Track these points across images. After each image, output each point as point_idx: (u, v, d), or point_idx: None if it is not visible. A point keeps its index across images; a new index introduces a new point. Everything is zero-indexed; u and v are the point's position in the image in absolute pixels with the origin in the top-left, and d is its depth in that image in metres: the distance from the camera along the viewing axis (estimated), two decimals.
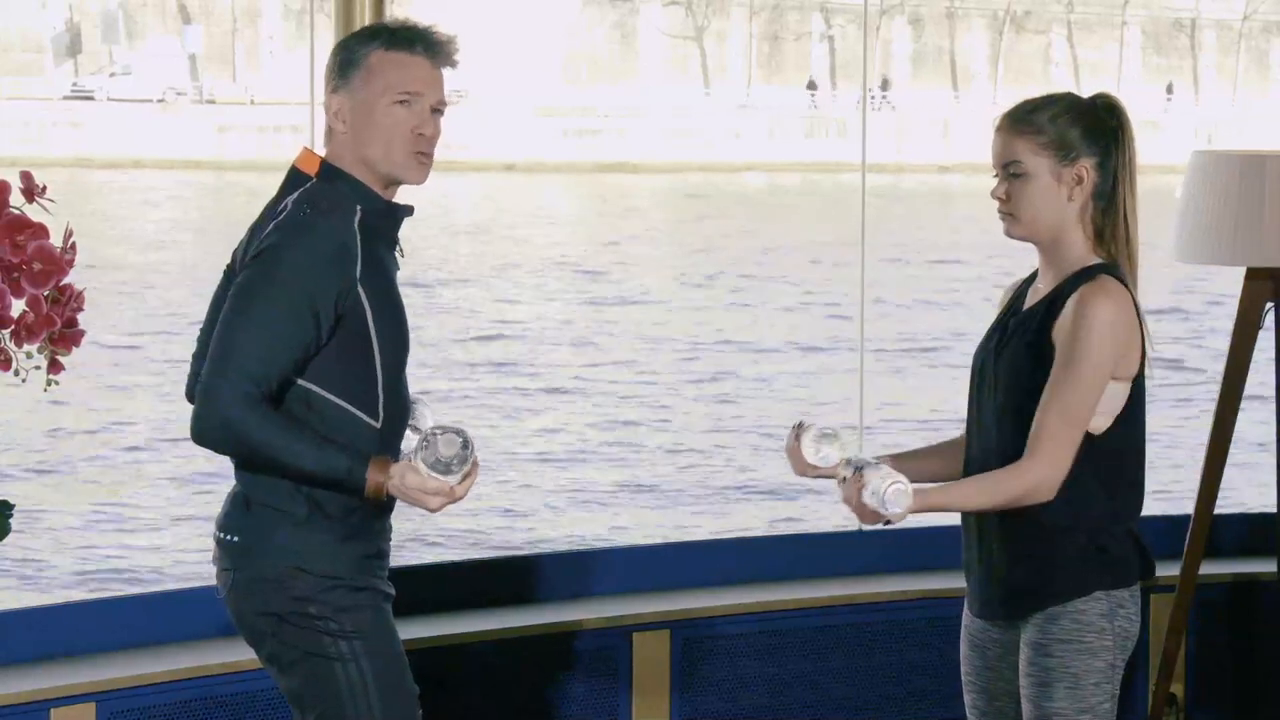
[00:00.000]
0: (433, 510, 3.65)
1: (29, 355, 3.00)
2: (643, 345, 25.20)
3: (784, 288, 30.78)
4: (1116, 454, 3.86)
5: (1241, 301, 5.61)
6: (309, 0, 6.07)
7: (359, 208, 3.76)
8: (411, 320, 3.90)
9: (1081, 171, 3.87)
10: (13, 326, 2.96)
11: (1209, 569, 5.78)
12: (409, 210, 3.86)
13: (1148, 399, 3.93)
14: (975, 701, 4.08)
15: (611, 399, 21.22)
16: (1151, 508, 4.17)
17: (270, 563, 3.74)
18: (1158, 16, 74.77)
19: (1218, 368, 5.67)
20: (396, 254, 3.86)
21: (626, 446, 18.67)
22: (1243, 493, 13.70)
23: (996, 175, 3.92)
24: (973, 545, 3.99)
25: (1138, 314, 3.86)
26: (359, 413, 3.74)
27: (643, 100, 61.80)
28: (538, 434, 19.18)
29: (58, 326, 3.01)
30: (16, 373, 3.00)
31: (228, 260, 3.87)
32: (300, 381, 3.70)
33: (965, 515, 3.98)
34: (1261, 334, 5.60)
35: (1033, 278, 4.00)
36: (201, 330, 3.86)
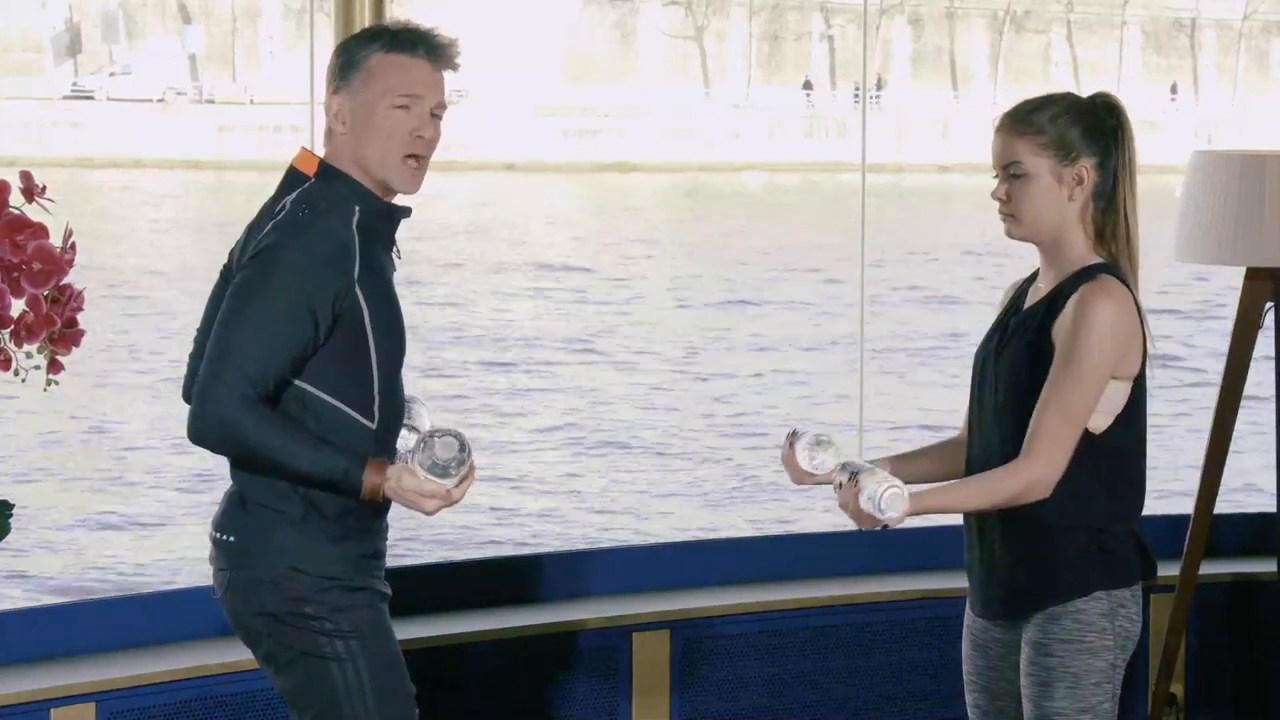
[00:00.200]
0: (429, 513, 3.65)
1: (29, 355, 3.00)
2: (642, 345, 25.19)
3: (784, 287, 30.78)
4: (1117, 453, 3.86)
5: (1241, 301, 5.61)
6: (309, 0, 6.07)
7: (357, 208, 3.76)
8: (407, 320, 3.89)
9: (1082, 171, 3.87)
10: (13, 326, 2.95)
11: (1209, 569, 5.78)
12: (407, 212, 3.86)
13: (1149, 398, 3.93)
14: (977, 701, 4.08)
15: (611, 398, 21.21)
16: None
17: (266, 563, 3.74)
18: (1158, 16, 74.77)
19: (1209, 365, 5.67)
20: (394, 255, 3.86)
21: (625, 447, 18.67)
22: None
23: (997, 176, 3.92)
24: (974, 545, 3.99)
25: (1139, 313, 3.86)
26: (354, 413, 3.73)
27: (643, 100, 61.80)
28: (536, 433, 19.18)
29: (57, 326, 3.01)
30: (16, 373, 3.00)
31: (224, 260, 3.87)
32: (296, 382, 3.69)
33: (966, 515, 3.98)
34: (1261, 334, 5.61)
35: (1033, 277, 4.00)
36: (199, 330, 3.86)
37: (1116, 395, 3.83)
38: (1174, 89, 71.58)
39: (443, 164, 4.18)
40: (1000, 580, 3.95)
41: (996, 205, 3.93)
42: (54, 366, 3.04)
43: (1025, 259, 4.00)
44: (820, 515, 14.44)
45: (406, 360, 3.88)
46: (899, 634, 5.68)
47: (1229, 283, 5.77)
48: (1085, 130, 3.87)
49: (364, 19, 4.98)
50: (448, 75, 3.83)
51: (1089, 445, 3.81)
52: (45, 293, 2.97)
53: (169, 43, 63.89)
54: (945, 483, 3.93)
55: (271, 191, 3.84)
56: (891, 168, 54.11)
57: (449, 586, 5.47)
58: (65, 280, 3.01)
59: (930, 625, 5.66)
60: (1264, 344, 5.64)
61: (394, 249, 3.86)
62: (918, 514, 3.75)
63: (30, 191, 2.99)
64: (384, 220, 3.81)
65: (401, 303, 3.85)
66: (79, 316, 3.05)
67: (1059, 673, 3.87)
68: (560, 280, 32.00)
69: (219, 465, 3.86)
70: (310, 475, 3.64)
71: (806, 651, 5.60)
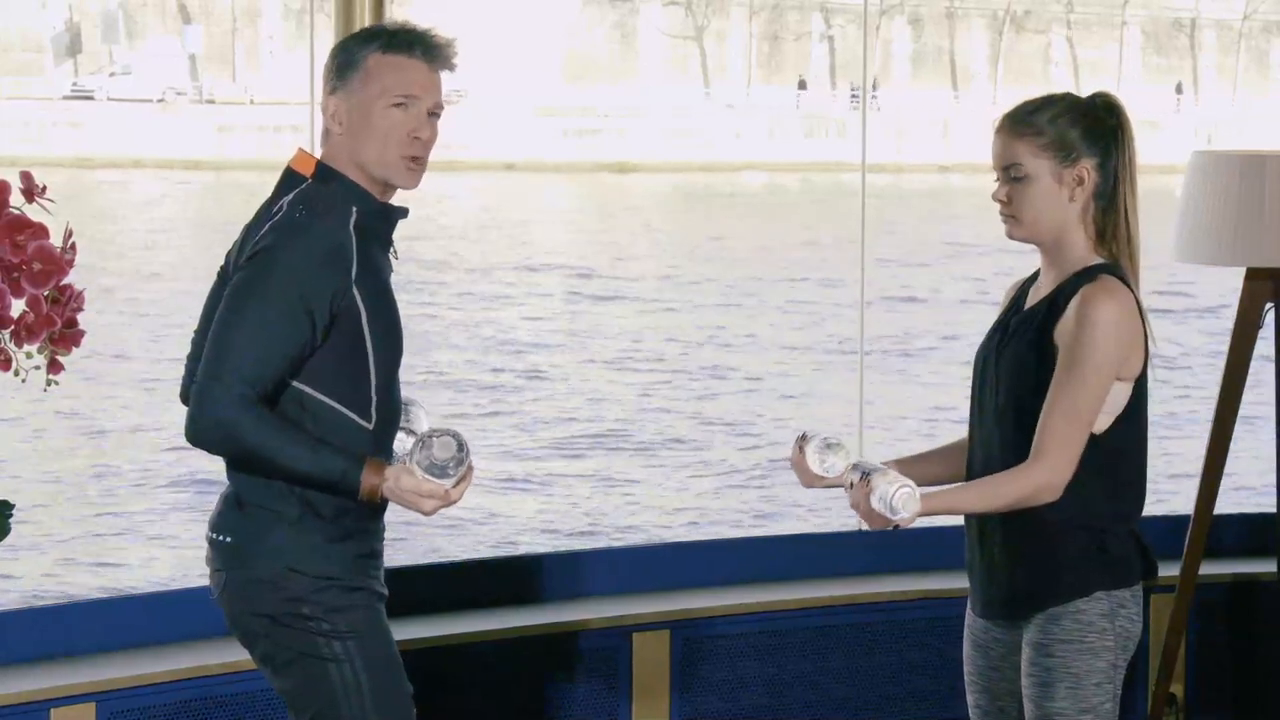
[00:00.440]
0: (427, 513, 3.64)
1: (29, 355, 3.00)
2: (642, 345, 25.19)
3: (784, 288, 30.77)
4: (1118, 453, 3.86)
5: (1241, 301, 5.61)
6: (309, 0, 6.06)
7: (354, 209, 3.76)
8: (404, 320, 3.89)
9: (1082, 172, 3.87)
10: (13, 327, 2.95)
11: (1209, 569, 5.78)
12: (404, 212, 3.86)
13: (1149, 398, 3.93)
14: (978, 701, 4.08)
15: (611, 398, 21.21)
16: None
17: (264, 564, 3.74)
18: (1158, 16, 74.76)
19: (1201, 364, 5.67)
20: (391, 255, 3.85)
21: (623, 445, 18.67)
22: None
23: (997, 178, 3.92)
24: (974, 545, 3.99)
25: (1140, 313, 3.86)
26: (351, 414, 3.73)
27: (643, 100, 61.78)
28: (536, 434, 19.18)
29: (58, 326, 3.01)
30: (16, 373, 3.00)
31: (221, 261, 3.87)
32: (294, 383, 3.69)
33: (967, 516, 3.98)
34: (1261, 334, 5.61)
35: (1034, 277, 4.00)
36: (196, 332, 3.86)
37: (1118, 395, 3.83)
38: (1179, 89, 71.55)
39: (443, 164, 4.17)
40: (1001, 580, 3.95)
41: (997, 207, 3.93)
42: (54, 367, 3.05)
43: (1026, 260, 4.00)
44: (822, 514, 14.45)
45: (404, 360, 3.88)
46: (899, 634, 5.68)
47: (1230, 283, 5.76)
48: (1085, 131, 3.87)
49: (364, 19, 4.98)
50: (445, 75, 3.83)
51: (1090, 445, 3.81)
52: (45, 293, 2.97)
53: (169, 43, 63.87)
54: (953, 485, 3.93)
55: (270, 192, 3.84)
56: (891, 168, 54.10)
57: (449, 586, 5.47)
58: (65, 280, 3.01)
59: (930, 625, 5.66)
60: (1264, 344, 5.64)
61: (391, 249, 3.86)
62: (926, 515, 3.75)
63: (30, 192, 2.99)
64: (381, 221, 3.81)
65: (399, 303, 3.85)
66: (79, 317, 3.05)
67: (1060, 673, 3.87)
68: (560, 280, 31.99)
69: (217, 467, 3.86)
70: (308, 476, 3.64)
71: (806, 651, 5.60)
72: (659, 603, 5.53)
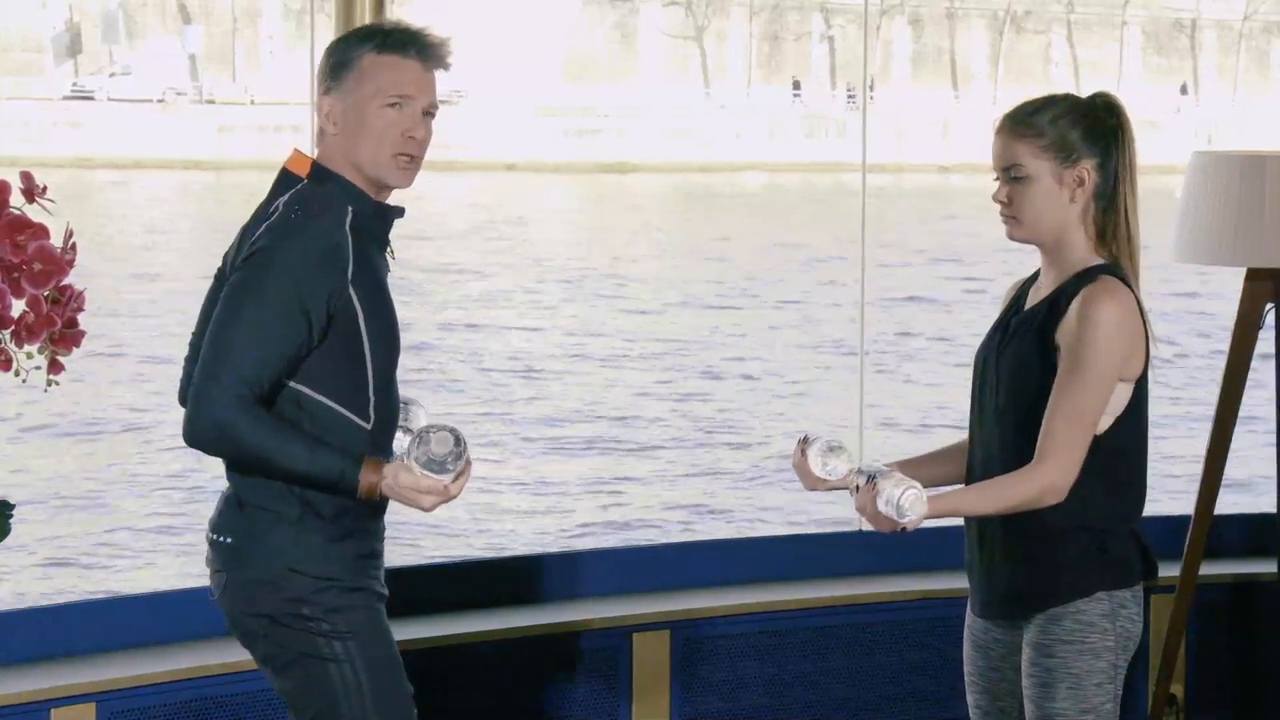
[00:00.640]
0: (426, 509, 3.64)
1: (29, 355, 3.00)
2: (641, 345, 25.19)
3: (784, 288, 30.78)
4: (1118, 453, 3.86)
5: (1241, 302, 5.61)
6: (309, 0, 6.06)
7: (350, 209, 3.75)
8: (402, 320, 3.88)
9: (1083, 173, 3.87)
10: (13, 327, 2.96)
11: (1209, 569, 5.78)
12: (400, 212, 3.86)
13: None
14: (978, 701, 4.08)
15: (609, 398, 21.22)
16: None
17: (263, 564, 3.74)
18: (1158, 16, 74.77)
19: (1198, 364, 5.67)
20: (388, 255, 3.85)
21: (622, 443, 18.67)
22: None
23: (997, 178, 3.92)
24: (974, 546, 3.99)
25: (1141, 313, 3.86)
26: (350, 414, 3.73)
27: (643, 100, 61.81)
28: (536, 433, 19.18)
29: (58, 327, 3.01)
30: (17, 373, 3.00)
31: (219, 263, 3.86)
32: (291, 383, 3.69)
33: (967, 517, 3.98)
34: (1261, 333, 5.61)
35: (1034, 277, 4.00)
36: (193, 333, 3.85)
37: (1119, 395, 3.83)
38: (1184, 89, 71.55)
39: (442, 164, 4.16)
40: (1001, 581, 3.95)
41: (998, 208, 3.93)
42: (54, 367, 3.05)
43: (1026, 260, 4.00)
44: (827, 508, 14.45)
45: (402, 361, 3.88)
46: (899, 634, 5.68)
47: (1230, 284, 5.76)
48: (1085, 131, 3.87)
49: (364, 19, 4.97)
50: (440, 75, 3.82)
51: (1091, 446, 3.81)
52: (46, 293, 2.97)
53: (169, 43, 63.89)
54: (957, 487, 3.93)
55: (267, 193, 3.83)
56: (891, 168, 54.10)
57: (449, 586, 5.47)
58: (65, 280, 3.01)
59: (930, 625, 5.66)
60: (1264, 344, 5.64)
61: (388, 249, 3.85)
62: (932, 518, 3.75)
63: (30, 192, 2.99)
64: (377, 221, 3.80)
65: (396, 304, 3.84)
66: (79, 317, 3.05)
67: (1060, 673, 3.87)
68: (559, 280, 31.99)
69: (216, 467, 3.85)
70: (307, 476, 3.63)
71: (806, 652, 5.59)
72: (659, 603, 5.53)
